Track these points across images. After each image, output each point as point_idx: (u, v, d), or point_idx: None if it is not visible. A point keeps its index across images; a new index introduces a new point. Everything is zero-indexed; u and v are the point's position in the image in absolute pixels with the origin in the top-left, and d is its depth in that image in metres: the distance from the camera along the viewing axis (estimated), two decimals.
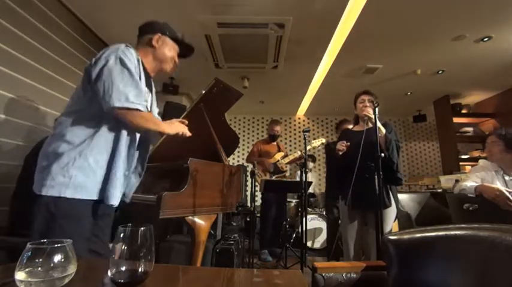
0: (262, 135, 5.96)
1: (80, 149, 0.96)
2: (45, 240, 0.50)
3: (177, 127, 1.18)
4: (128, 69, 0.98)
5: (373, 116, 1.70)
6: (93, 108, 0.99)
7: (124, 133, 1.04)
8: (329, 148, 2.97)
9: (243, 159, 5.88)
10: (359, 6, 2.44)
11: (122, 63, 0.98)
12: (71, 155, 0.95)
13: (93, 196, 0.98)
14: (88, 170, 0.96)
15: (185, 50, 1.30)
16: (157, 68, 1.22)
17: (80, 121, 0.99)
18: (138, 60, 1.07)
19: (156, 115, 1.28)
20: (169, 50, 1.21)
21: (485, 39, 2.91)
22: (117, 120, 1.00)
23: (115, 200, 1.01)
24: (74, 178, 0.93)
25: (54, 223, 0.91)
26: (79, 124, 0.98)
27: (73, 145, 0.96)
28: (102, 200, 1.00)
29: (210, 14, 2.54)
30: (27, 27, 2.02)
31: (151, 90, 1.21)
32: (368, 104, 1.87)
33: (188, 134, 1.21)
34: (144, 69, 1.13)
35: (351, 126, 2.85)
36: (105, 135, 1.01)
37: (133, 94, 0.98)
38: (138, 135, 1.12)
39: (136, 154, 1.16)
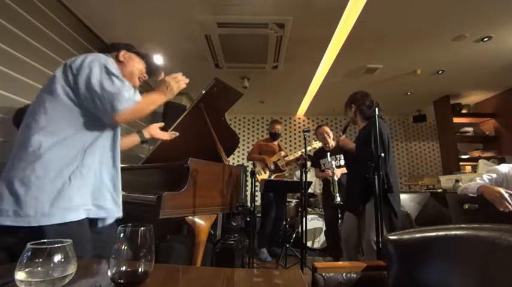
0: (262, 135, 5.95)
1: (72, 168, 0.92)
2: (44, 240, 0.50)
3: (175, 86, 1.12)
4: (116, 75, 0.95)
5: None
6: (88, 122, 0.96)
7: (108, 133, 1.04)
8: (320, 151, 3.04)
9: (243, 159, 5.88)
10: (359, 6, 2.44)
11: (108, 71, 0.95)
12: (64, 176, 0.90)
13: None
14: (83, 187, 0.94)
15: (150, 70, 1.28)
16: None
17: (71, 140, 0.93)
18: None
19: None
20: (137, 63, 1.20)
21: (485, 39, 2.90)
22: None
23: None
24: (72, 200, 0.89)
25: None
26: (67, 144, 0.92)
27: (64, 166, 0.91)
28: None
29: (210, 14, 2.54)
30: (27, 27, 2.02)
31: None
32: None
33: (186, 81, 1.16)
34: None
35: (328, 129, 2.90)
36: (101, 144, 1.01)
37: (128, 92, 0.95)
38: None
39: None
